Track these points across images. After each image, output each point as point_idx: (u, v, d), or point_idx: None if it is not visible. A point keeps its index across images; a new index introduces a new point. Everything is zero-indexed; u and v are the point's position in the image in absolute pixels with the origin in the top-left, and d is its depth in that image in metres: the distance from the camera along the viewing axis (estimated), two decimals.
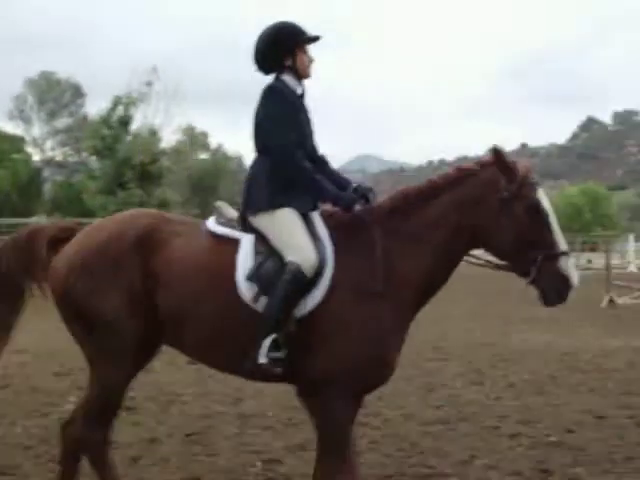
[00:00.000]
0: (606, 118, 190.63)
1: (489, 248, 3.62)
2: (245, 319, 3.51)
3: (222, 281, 3.55)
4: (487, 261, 3.74)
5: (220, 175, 57.67)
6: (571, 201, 62.18)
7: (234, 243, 3.65)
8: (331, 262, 3.55)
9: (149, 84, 37.51)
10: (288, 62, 3.75)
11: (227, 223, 3.73)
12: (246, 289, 3.54)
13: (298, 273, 3.46)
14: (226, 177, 57.42)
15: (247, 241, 3.63)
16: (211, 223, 3.75)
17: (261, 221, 3.65)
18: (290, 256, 3.51)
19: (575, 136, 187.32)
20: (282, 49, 3.73)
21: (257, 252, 3.59)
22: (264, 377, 3.60)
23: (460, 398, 6.28)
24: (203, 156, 60.27)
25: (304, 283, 3.47)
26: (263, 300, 3.50)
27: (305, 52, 3.78)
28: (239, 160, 59.30)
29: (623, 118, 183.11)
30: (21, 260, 3.85)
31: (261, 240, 3.62)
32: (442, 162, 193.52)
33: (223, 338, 3.57)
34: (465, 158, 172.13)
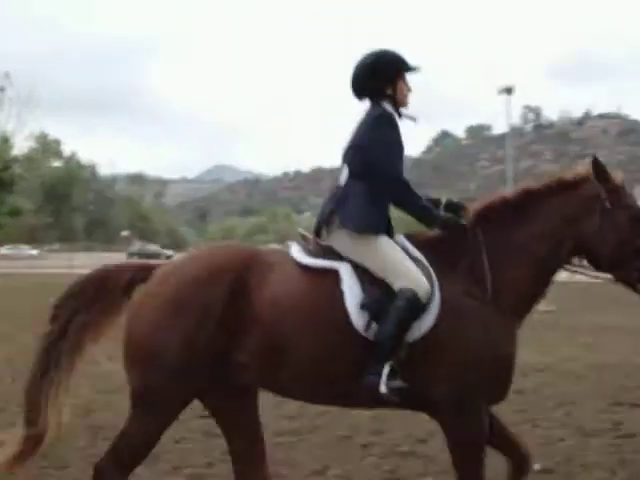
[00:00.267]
0: (459, 132, 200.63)
1: (592, 259, 3.72)
2: (357, 349, 3.52)
3: (332, 312, 3.54)
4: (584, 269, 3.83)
5: (73, 183, 55.76)
6: None
7: (332, 273, 3.64)
8: (436, 283, 3.60)
9: (1, 90, 36.45)
10: (389, 91, 3.82)
11: (314, 252, 3.72)
12: (358, 318, 3.53)
13: (414, 299, 3.51)
14: (79, 185, 55.53)
15: (346, 270, 3.63)
16: (299, 253, 3.72)
17: (359, 248, 3.66)
18: (400, 282, 3.55)
19: (429, 149, 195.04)
20: (383, 78, 3.80)
21: (361, 280, 3.60)
22: (381, 405, 3.61)
23: (312, 409, 6.29)
24: (56, 164, 57.98)
25: (419, 309, 3.51)
26: (374, 328, 3.51)
27: (405, 81, 3.86)
28: (92, 168, 57.61)
29: (475, 132, 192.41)
30: (94, 301, 3.68)
31: (359, 267, 3.64)
32: (297, 173, 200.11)
33: (333, 370, 3.56)
34: (320, 169, 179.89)
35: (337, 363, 3.54)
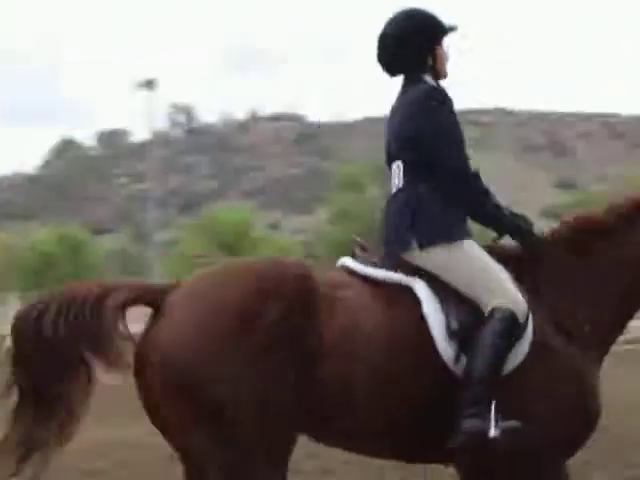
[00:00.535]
0: (88, 140, 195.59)
1: None
2: (444, 387, 3.83)
3: (415, 342, 3.84)
4: None
5: None
6: (43, 249, 61.14)
7: (405, 291, 3.98)
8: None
9: None
10: (430, 61, 4.28)
11: (380, 264, 4.08)
12: (446, 348, 3.85)
13: (513, 321, 3.85)
14: None
15: (423, 288, 3.96)
16: (362, 266, 4.08)
17: (438, 259, 4.02)
18: (495, 299, 3.89)
19: (48, 163, 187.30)
20: (425, 46, 4.24)
21: (444, 300, 3.92)
22: (477, 455, 3.86)
23: None
24: None
25: (518, 333, 3.88)
26: (463, 360, 3.83)
27: (442, 47, 4.33)
28: None
29: (109, 140, 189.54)
30: (79, 329, 3.72)
31: (437, 283, 3.98)
32: None
33: (416, 414, 3.83)
34: None
35: (422, 404, 3.84)
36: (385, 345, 3.81)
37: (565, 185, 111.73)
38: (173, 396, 3.63)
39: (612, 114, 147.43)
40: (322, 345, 3.74)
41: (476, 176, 4.17)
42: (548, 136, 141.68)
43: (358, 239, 4.27)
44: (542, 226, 4.50)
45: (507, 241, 4.29)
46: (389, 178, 4.40)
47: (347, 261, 4.19)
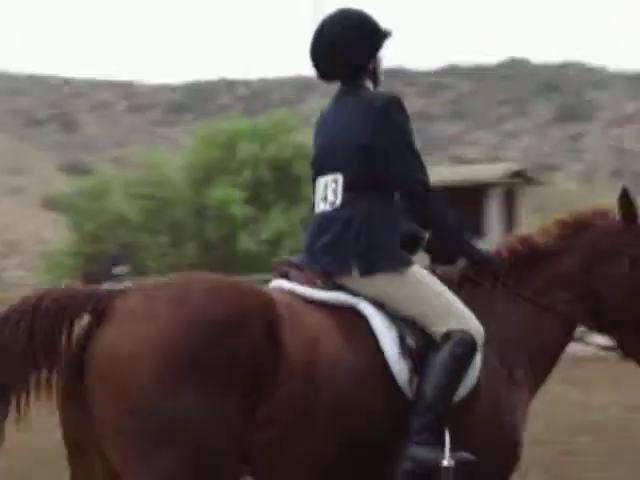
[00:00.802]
0: None
1: (608, 319, 5.59)
2: (399, 412, 4.94)
3: (367, 362, 4.94)
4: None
5: None
6: None
7: (351, 312, 5.07)
8: None
9: None
10: (372, 65, 5.35)
11: (321, 285, 5.10)
12: (401, 368, 4.96)
13: (471, 346, 4.99)
14: None
15: (370, 308, 5.06)
16: (303, 288, 5.10)
17: (383, 286, 5.08)
18: (450, 323, 5.02)
19: None
20: (370, 49, 5.30)
21: (392, 321, 5.06)
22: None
23: None
24: None
25: (471, 359, 5.03)
26: (415, 382, 4.97)
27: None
28: None
29: None
30: (42, 335, 4.65)
31: (381, 306, 5.11)
32: None
33: (373, 440, 4.93)
34: None
35: (377, 430, 4.93)
36: (344, 364, 4.85)
37: (73, 169, 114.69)
38: (123, 407, 4.51)
39: (137, 83, 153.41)
40: (286, 373, 4.69)
41: (440, 193, 5.27)
42: (54, 107, 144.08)
43: (291, 259, 5.35)
44: None
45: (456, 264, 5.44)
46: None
47: (284, 283, 5.18)
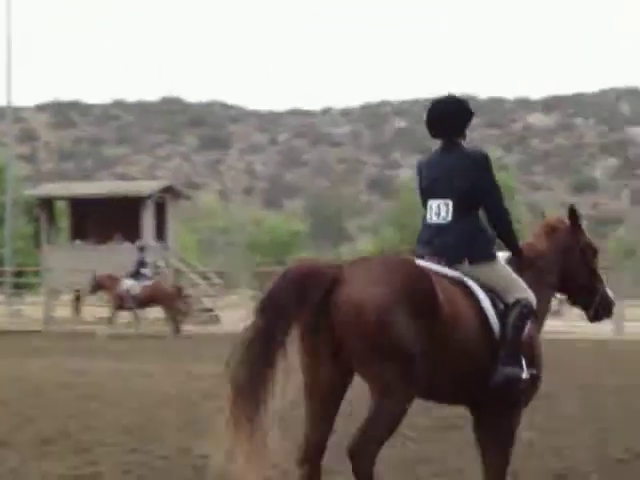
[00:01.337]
0: None
1: (569, 287, 8.37)
2: (492, 348, 7.20)
3: (478, 318, 7.22)
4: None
5: None
6: None
7: (463, 284, 7.34)
8: None
9: None
10: (466, 131, 7.75)
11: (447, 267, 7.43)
12: (494, 320, 7.27)
13: (531, 307, 7.45)
14: None
15: (473, 283, 7.37)
16: (437, 266, 7.35)
17: (483, 269, 7.49)
18: (518, 294, 7.45)
19: None
20: (467, 121, 7.72)
21: (485, 292, 7.38)
22: (507, 391, 7.22)
23: None
24: None
25: (530, 315, 7.48)
26: (501, 328, 7.29)
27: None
28: None
29: None
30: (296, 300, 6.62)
31: (478, 282, 7.45)
32: None
33: (476, 370, 7.15)
34: None
35: (480, 364, 7.12)
36: (464, 318, 7.07)
37: None
38: (365, 336, 6.58)
39: None
40: (441, 316, 6.80)
41: (508, 213, 7.73)
42: None
43: (416, 250, 7.58)
44: None
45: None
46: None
47: (423, 262, 7.25)
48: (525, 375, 7.07)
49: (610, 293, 8.35)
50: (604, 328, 28.62)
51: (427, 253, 7.41)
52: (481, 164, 7.46)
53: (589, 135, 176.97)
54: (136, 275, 32.45)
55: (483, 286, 7.31)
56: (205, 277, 42.66)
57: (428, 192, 7.59)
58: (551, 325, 30.69)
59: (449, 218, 7.42)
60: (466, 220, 7.42)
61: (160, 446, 11.29)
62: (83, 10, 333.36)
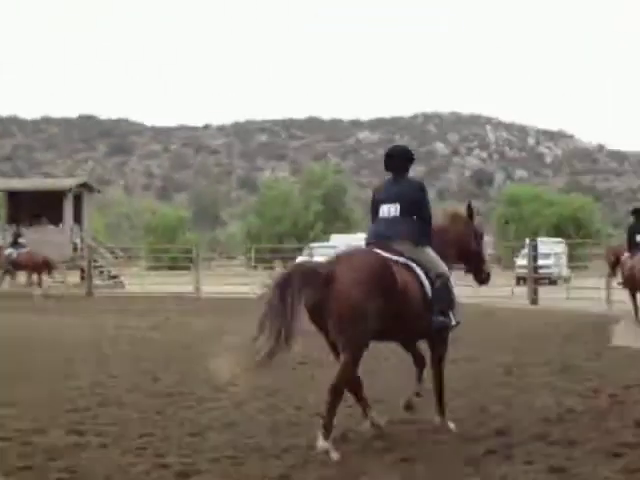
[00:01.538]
0: None
1: (465, 259, 9.11)
2: (428, 302, 7.94)
3: (418, 286, 7.92)
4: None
5: None
6: None
7: (407, 265, 7.96)
8: None
9: None
10: (409, 168, 8.58)
11: (395, 253, 8.00)
12: (427, 286, 7.98)
13: (449, 277, 8.25)
14: None
15: (413, 264, 8.01)
16: (384, 253, 7.86)
17: (419, 252, 8.15)
18: (441, 269, 8.20)
19: None
20: (411, 161, 8.59)
21: (421, 268, 8.04)
22: (440, 331, 8.20)
23: None
24: None
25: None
26: (431, 291, 8.04)
27: None
28: None
29: None
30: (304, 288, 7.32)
31: (414, 260, 8.08)
32: None
33: (418, 318, 7.86)
34: None
35: (421, 315, 7.86)
36: (411, 287, 7.80)
37: None
38: (350, 308, 7.22)
39: None
40: (398, 288, 7.57)
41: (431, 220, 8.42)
42: None
43: (372, 240, 8.28)
44: None
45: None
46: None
47: (381, 252, 7.84)
48: (453, 322, 8.07)
49: (489, 266, 9.41)
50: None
51: (383, 240, 8.01)
52: (418, 187, 8.34)
53: None
54: (15, 245, 32.56)
55: (419, 265, 7.92)
56: (112, 252, 42.54)
57: (380, 201, 8.26)
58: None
59: (397, 215, 8.09)
60: (408, 219, 8.12)
61: (75, 380, 11.15)
62: (16, 35, 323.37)
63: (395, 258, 7.80)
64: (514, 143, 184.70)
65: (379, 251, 7.77)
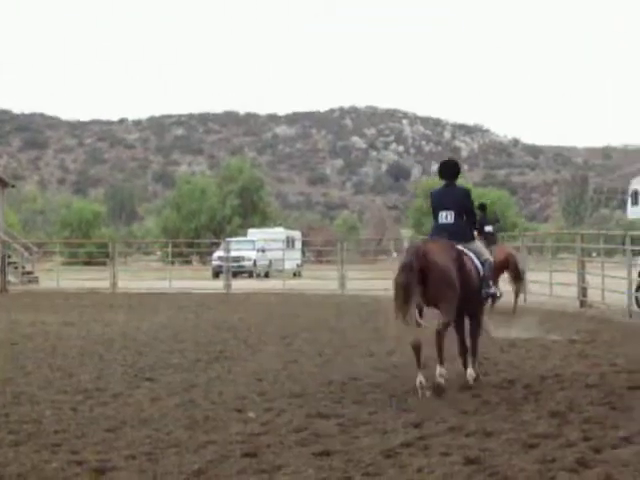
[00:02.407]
0: None
1: None
2: (480, 278, 10.31)
3: (474, 267, 10.24)
4: None
5: None
6: None
7: (463, 252, 10.18)
8: None
9: None
10: (459, 177, 10.89)
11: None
12: (479, 266, 10.30)
13: (491, 261, 10.68)
14: None
15: (467, 250, 10.26)
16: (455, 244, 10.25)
17: (469, 245, 10.43)
18: (486, 255, 10.60)
19: None
20: (459, 172, 10.83)
21: (472, 254, 10.36)
22: (482, 303, 10.77)
23: None
24: None
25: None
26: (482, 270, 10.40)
27: None
28: None
29: None
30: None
31: (469, 250, 10.38)
32: None
33: (476, 291, 10.23)
34: None
35: (474, 289, 10.15)
36: (470, 267, 10.14)
37: None
38: (443, 277, 9.66)
39: None
40: (463, 267, 10.02)
41: (476, 219, 11.24)
42: None
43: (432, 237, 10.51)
44: None
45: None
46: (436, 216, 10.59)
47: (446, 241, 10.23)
48: (499, 293, 11.56)
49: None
50: (331, 285, 29.78)
51: (442, 238, 10.15)
52: (466, 195, 10.58)
53: (322, 142, 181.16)
54: None
55: (472, 252, 10.31)
56: (27, 247, 41.50)
57: (439, 207, 10.46)
58: (293, 283, 32.51)
59: (451, 221, 10.34)
60: (460, 222, 10.41)
61: None
62: None
63: (460, 247, 10.14)
64: (430, 137, 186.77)
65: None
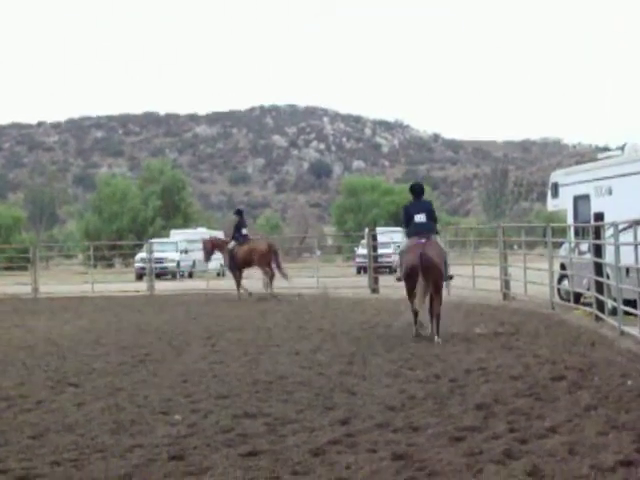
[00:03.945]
0: None
1: None
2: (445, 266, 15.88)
3: (442, 251, 15.10)
4: None
5: None
6: None
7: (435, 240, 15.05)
8: None
9: None
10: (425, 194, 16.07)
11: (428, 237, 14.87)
12: (446, 257, 15.95)
13: (445, 252, 16.38)
14: None
15: (437, 240, 15.38)
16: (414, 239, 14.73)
17: (437, 238, 15.40)
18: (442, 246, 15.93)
19: None
20: (423, 191, 15.66)
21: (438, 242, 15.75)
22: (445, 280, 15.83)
23: None
24: None
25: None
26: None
27: None
28: None
29: None
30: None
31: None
32: None
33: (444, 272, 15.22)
34: None
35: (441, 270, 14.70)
36: (436, 255, 14.52)
37: None
38: (438, 269, 14.26)
39: None
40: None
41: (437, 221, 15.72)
42: None
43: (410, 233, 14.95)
44: None
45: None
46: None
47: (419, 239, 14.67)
48: (451, 275, 16.73)
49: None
50: (256, 285, 29.67)
51: (422, 232, 14.45)
52: (431, 203, 15.26)
53: (243, 141, 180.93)
54: None
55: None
56: None
57: (414, 212, 14.67)
58: (217, 283, 32.19)
59: (425, 220, 14.57)
60: (430, 222, 14.67)
61: None
62: None
63: (437, 240, 14.60)
64: (351, 134, 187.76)
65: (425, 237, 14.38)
